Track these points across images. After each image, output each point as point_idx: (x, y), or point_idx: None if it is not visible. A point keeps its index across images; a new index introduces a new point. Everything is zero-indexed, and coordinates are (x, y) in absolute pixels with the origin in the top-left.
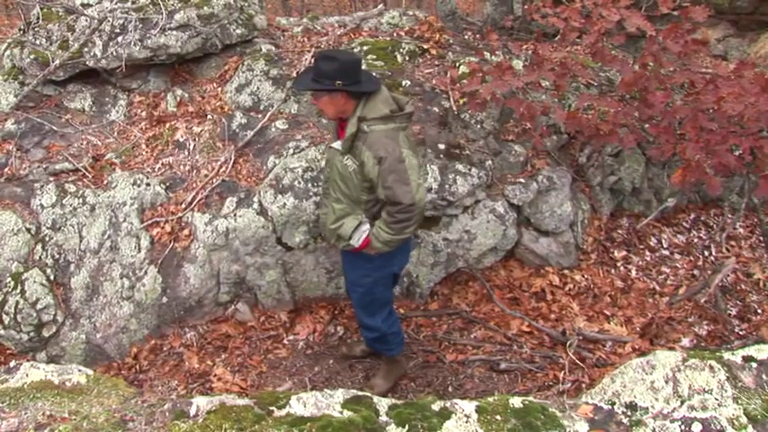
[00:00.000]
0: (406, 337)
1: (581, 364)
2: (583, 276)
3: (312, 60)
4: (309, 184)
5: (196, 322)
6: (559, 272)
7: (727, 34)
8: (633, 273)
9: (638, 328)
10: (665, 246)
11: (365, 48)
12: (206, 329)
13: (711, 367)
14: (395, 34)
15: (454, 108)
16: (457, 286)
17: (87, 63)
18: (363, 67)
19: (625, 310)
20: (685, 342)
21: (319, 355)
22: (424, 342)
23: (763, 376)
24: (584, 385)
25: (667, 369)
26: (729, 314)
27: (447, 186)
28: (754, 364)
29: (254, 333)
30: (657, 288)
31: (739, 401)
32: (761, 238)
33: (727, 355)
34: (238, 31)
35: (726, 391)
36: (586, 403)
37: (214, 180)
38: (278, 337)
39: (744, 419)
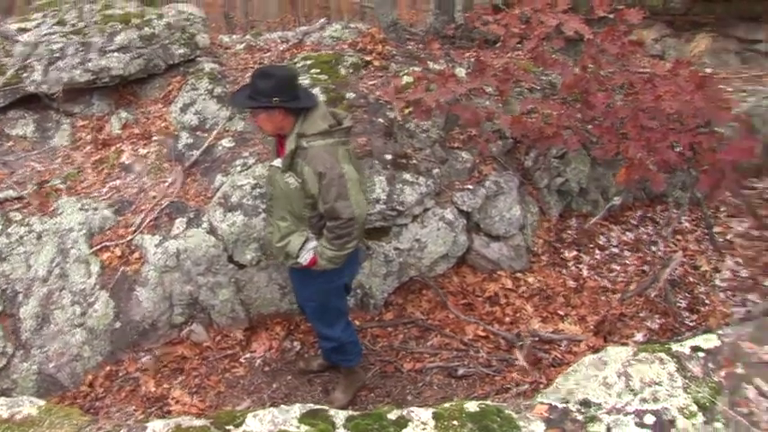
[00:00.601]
0: (364, 348)
1: (537, 365)
2: (535, 278)
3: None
4: (258, 201)
5: (151, 346)
6: (512, 275)
7: (664, 34)
8: (584, 272)
9: (591, 326)
10: (614, 244)
11: (308, 62)
12: (161, 352)
13: (661, 360)
14: (338, 47)
15: (399, 118)
16: (411, 295)
17: (27, 88)
18: (306, 81)
19: (578, 309)
20: (639, 337)
21: (277, 371)
22: (382, 352)
23: (710, 365)
24: (541, 386)
25: (619, 364)
26: (679, 307)
27: (395, 196)
28: (702, 354)
29: (211, 353)
30: (609, 286)
31: (689, 390)
32: (705, 231)
33: (675, 347)
34: (181, 51)
35: (675, 381)
36: (541, 403)
37: (162, 201)
38: (235, 355)
39: (694, 407)
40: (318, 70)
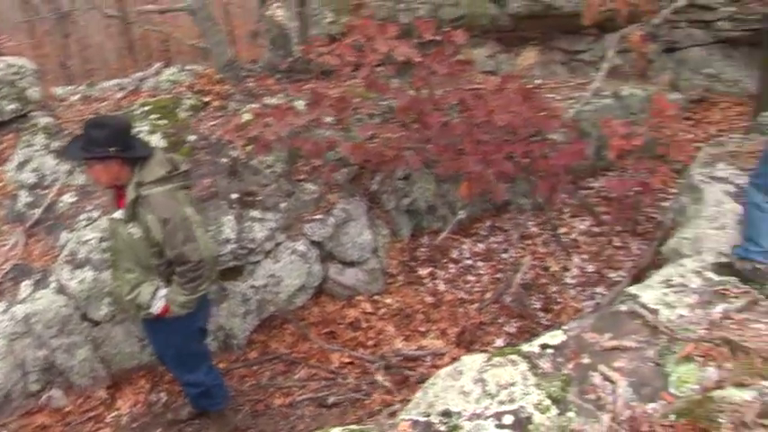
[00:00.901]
0: (231, 390)
1: (405, 384)
2: (393, 299)
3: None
4: (107, 255)
5: (6, 420)
6: (370, 298)
7: (496, 51)
8: (441, 287)
9: (453, 339)
10: (467, 256)
11: (146, 108)
12: (18, 425)
13: (513, 361)
14: (176, 91)
15: (242, 156)
16: (273, 331)
17: None
18: (145, 127)
19: (439, 324)
20: (499, 342)
21: (146, 426)
22: (250, 392)
23: (559, 359)
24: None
25: (474, 372)
26: (534, 308)
27: (245, 234)
28: (550, 350)
29: (73, 417)
30: (466, 297)
31: (541, 387)
32: (552, 233)
33: (526, 347)
34: (11, 107)
35: (528, 380)
36: (403, 420)
37: (5, 266)
38: (99, 416)
39: (547, 402)
40: (157, 115)
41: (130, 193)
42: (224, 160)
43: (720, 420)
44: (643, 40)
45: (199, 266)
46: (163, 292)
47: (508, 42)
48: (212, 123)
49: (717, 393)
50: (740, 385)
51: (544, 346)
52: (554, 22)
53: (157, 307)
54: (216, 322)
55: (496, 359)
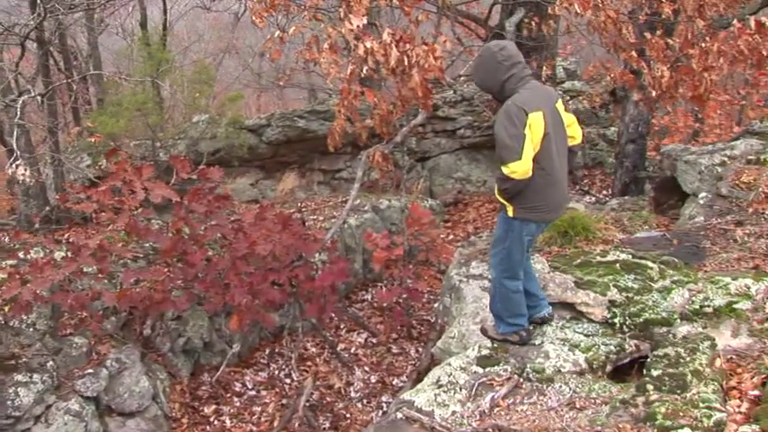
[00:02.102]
0: None
1: None
2: None
3: None
4: None
5: None
6: None
7: (259, 178)
8: (228, 422)
9: None
10: (250, 387)
11: None
12: None
13: None
14: None
15: (0, 318)
16: None
17: None
18: None
19: None
20: None
21: None
22: None
23: None
24: None
25: None
26: (324, 428)
27: (9, 402)
28: None
29: None
30: (254, 429)
31: None
32: (331, 351)
33: None
34: None
35: None
36: None
37: None
38: None
39: None
40: None
41: None
42: None
43: None
44: (384, 159)
45: None
46: None
47: (270, 168)
48: None
49: None
50: None
51: None
52: (311, 144)
53: None
54: None
55: None
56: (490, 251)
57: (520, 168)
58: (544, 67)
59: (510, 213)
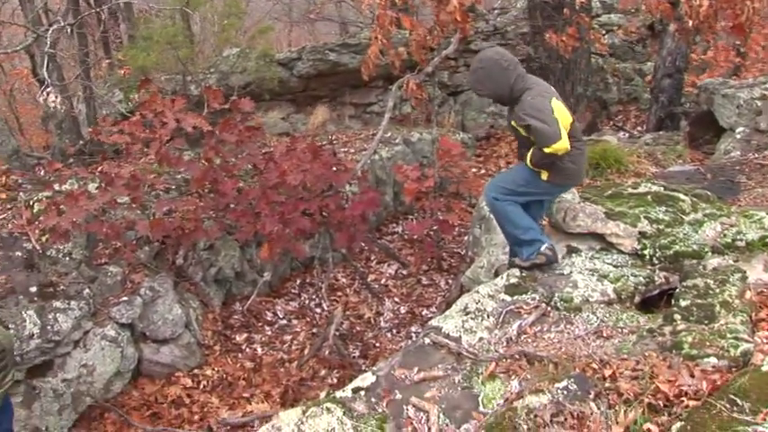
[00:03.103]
0: None
1: None
2: (213, 370)
3: None
4: None
5: None
6: (190, 373)
7: (290, 112)
8: (259, 350)
9: (278, 399)
10: (281, 316)
11: None
12: None
13: (329, 409)
14: None
15: (38, 247)
16: (93, 423)
17: None
18: None
19: (262, 387)
20: (323, 395)
21: None
22: None
23: (373, 399)
24: None
25: (292, 425)
26: (354, 357)
27: (50, 327)
28: (363, 393)
29: None
30: (285, 356)
31: (358, 429)
32: (361, 282)
33: (339, 394)
34: None
35: (345, 424)
36: None
37: None
38: None
39: None
40: None
41: None
42: (19, 254)
43: (523, 426)
44: (419, 88)
45: (1, 356)
46: None
47: (301, 102)
48: (1, 217)
49: (518, 403)
50: (537, 392)
51: (356, 390)
52: (342, 78)
53: None
54: (30, 423)
55: (312, 410)
56: (495, 179)
57: (562, 146)
58: None
59: (544, 178)
